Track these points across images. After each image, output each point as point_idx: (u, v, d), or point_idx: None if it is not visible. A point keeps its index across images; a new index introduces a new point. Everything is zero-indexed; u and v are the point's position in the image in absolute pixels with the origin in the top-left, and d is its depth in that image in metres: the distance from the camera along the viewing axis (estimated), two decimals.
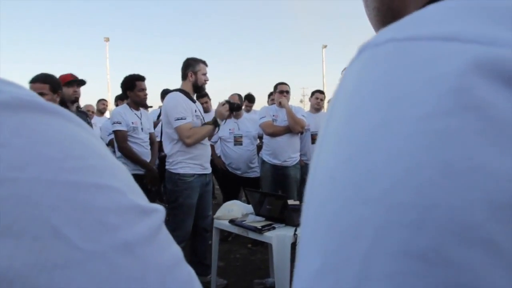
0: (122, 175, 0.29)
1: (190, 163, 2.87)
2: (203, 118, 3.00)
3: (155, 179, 3.43)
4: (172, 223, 2.85)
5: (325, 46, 25.86)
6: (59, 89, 2.81)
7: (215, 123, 2.94)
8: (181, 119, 2.80)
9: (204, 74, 3.02)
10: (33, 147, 0.24)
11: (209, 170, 3.03)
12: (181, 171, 2.86)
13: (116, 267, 0.25)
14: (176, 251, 0.30)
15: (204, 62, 3.06)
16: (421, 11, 0.22)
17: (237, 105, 3.06)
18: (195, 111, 2.92)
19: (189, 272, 0.31)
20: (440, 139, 0.16)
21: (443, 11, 0.21)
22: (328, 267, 0.18)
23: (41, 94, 2.59)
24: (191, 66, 3.01)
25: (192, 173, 2.87)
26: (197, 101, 3.10)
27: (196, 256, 3.02)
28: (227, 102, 3.04)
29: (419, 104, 0.17)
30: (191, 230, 2.93)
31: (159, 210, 0.30)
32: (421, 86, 0.18)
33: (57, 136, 0.26)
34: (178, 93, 2.95)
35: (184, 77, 3.02)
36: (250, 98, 5.08)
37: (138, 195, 0.29)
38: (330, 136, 0.21)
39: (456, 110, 0.17)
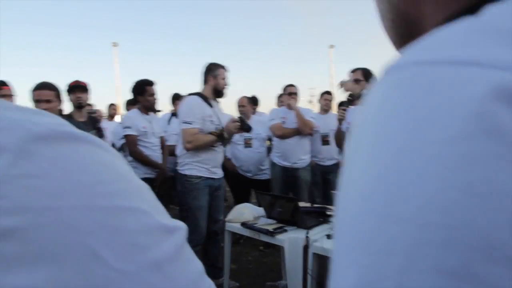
0: (147, 196, 0.31)
1: (197, 165, 2.90)
2: (220, 123, 3.00)
3: (167, 180, 3.46)
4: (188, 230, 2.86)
5: (332, 47, 25.80)
6: (61, 96, 2.94)
7: (220, 136, 2.93)
8: (187, 123, 2.86)
9: (224, 79, 3.06)
10: (69, 176, 0.26)
11: (218, 175, 3.04)
12: (187, 172, 2.91)
13: (148, 285, 0.26)
14: (198, 265, 0.32)
15: (224, 67, 3.09)
16: (440, 32, 0.23)
17: (248, 127, 3.02)
18: (210, 116, 2.94)
19: (210, 284, 0.32)
20: (463, 162, 0.17)
21: (461, 33, 0.22)
22: (363, 283, 0.19)
23: (48, 101, 2.68)
24: (211, 71, 3.04)
25: (198, 175, 2.90)
26: (216, 105, 3.12)
27: (209, 259, 3.04)
28: (241, 120, 3.01)
29: (442, 128, 0.18)
30: (205, 233, 2.96)
31: (182, 228, 0.32)
32: (443, 110, 0.19)
33: (88, 163, 0.28)
34: (195, 97, 2.98)
35: (205, 81, 3.06)
36: (254, 101, 5.09)
37: (162, 214, 0.31)
38: (359, 155, 0.22)
39: (477, 134, 0.17)
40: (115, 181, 0.29)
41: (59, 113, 2.79)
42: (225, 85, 3.07)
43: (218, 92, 3.06)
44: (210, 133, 2.91)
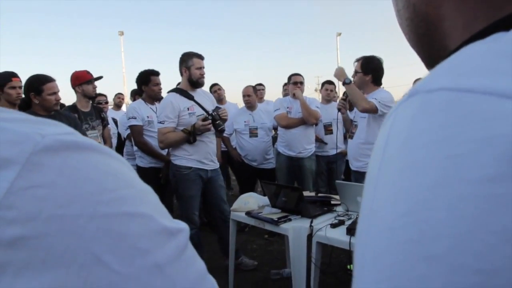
0: (150, 199, 0.32)
1: (186, 156, 2.94)
2: (206, 112, 2.98)
3: None
4: (182, 217, 2.94)
5: (340, 34, 25.50)
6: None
7: (190, 134, 2.90)
8: (160, 122, 2.92)
9: (199, 68, 2.98)
10: (75, 185, 0.27)
11: (211, 166, 3.04)
12: (178, 162, 2.96)
13: (149, 286, 0.28)
14: (200, 265, 0.33)
15: (198, 56, 3.01)
16: (470, 54, 0.22)
17: (219, 127, 2.96)
18: (188, 109, 2.94)
19: (213, 284, 0.34)
20: (499, 204, 0.17)
21: (494, 58, 0.21)
22: None
23: (58, 91, 2.78)
24: (184, 62, 3.00)
25: (188, 165, 2.93)
26: (202, 93, 3.10)
27: (222, 243, 3.12)
28: (213, 119, 2.92)
29: (477, 167, 0.18)
30: (199, 221, 3.05)
31: (184, 229, 0.33)
32: (478, 147, 0.18)
33: (93, 171, 0.29)
34: (171, 94, 2.99)
35: (181, 73, 3.04)
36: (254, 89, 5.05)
37: (165, 216, 0.32)
38: (385, 183, 0.22)
39: None
40: (119, 187, 0.30)
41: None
42: (201, 74, 2.98)
43: (194, 83, 3.00)
44: (183, 130, 2.91)
